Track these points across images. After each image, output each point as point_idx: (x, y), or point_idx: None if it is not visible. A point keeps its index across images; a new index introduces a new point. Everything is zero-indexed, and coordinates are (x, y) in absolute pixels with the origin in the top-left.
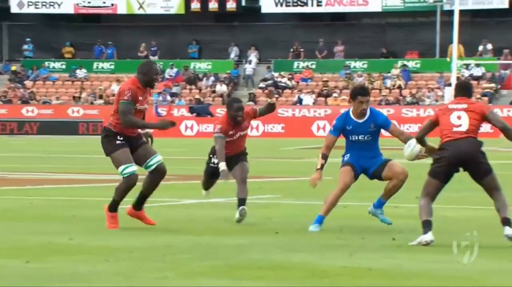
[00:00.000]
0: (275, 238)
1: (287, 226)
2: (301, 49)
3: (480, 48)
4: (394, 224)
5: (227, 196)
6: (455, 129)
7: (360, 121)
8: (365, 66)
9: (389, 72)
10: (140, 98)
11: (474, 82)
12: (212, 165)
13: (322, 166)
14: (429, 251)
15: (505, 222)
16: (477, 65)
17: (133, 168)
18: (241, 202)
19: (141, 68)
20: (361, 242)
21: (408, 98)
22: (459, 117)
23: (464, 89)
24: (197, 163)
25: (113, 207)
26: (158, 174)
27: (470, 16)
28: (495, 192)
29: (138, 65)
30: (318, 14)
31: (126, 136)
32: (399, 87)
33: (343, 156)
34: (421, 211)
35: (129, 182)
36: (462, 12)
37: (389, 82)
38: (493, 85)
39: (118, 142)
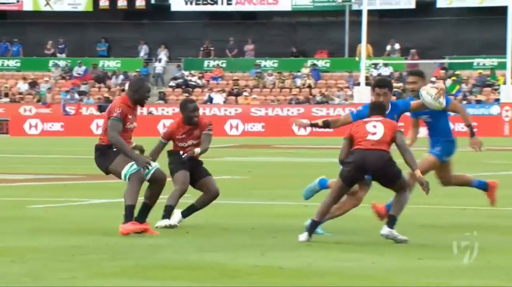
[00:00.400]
0: (186, 238)
1: (197, 225)
2: (212, 48)
3: (388, 48)
4: (303, 222)
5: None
6: (369, 137)
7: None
8: (276, 65)
9: (299, 71)
10: (129, 117)
11: None
12: (184, 158)
13: (316, 124)
14: (340, 249)
15: (390, 220)
16: (385, 64)
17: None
18: (191, 210)
19: (132, 85)
20: (273, 241)
21: (318, 97)
22: (374, 127)
23: (378, 108)
24: None
25: (130, 217)
26: (156, 183)
27: (378, 16)
28: (402, 191)
29: (129, 82)
30: (228, 13)
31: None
32: (309, 86)
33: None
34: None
35: (138, 177)
36: (370, 12)
37: (299, 81)
38: (400, 84)
39: (114, 151)
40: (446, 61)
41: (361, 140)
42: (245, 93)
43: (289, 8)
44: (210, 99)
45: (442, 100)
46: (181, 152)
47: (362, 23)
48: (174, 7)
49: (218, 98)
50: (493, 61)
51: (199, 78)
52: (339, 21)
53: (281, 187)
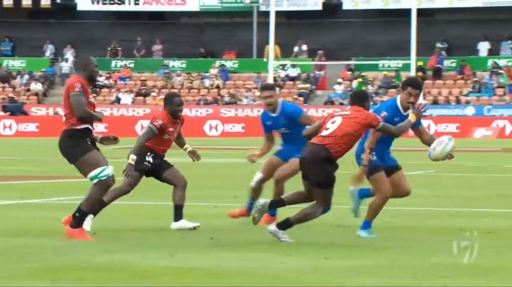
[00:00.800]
0: (94, 239)
1: (106, 227)
2: (119, 48)
3: (296, 49)
4: (211, 223)
5: (44, 197)
6: (323, 132)
7: (405, 114)
8: (184, 65)
9: (207, 72)
10: (89, 90)
11: (290, 83)
12: (146, 163)
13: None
14: (249, 249)
15: (285, 223)
16: (293, 65)
17: (111, 170)
18: (179, 210)
19: (78, 65)
20: (181, 242)
21: (227, 98)
22: (333, 122)
23: (356, 98)
24: (14, 163)
25: (80, 223)
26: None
27: (286, 18)
28: (315, 205)
29: (74, 65)
30: (136, 13)
31: (90, 137)
32: (218, 87)
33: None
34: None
35: (106, 186)
36: (278, 14)
37: (207, 82)
38: (308, 85)
39: (88, 144)
40: (352, 62)
41: (318, 134)
42: (153, 94)
43: (197, 9)
44: (118, 100)
45: (444, 158)
46: (149, 153)
47: (270, 24)
48: (81, 7)
49: (126, 98)
50: (398, 63)
51: (107, 78)
52: (247, 22)
53: (190, 188)
